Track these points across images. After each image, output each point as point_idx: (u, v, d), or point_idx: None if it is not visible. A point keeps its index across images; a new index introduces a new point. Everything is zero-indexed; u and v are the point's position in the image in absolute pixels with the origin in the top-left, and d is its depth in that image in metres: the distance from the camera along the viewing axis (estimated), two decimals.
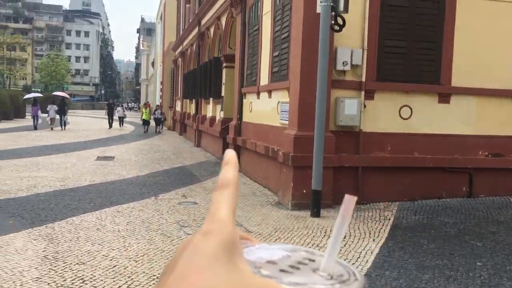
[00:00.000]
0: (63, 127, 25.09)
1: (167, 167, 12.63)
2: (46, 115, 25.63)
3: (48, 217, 6.68)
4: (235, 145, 12.19)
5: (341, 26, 7.14)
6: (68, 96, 33.49)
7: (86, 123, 33.25)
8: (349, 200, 0.39)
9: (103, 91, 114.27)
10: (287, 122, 8.44)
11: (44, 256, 5.04)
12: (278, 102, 9.16)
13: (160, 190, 9.19)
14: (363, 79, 8.04)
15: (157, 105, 29.78)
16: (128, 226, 6.43)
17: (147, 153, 15.87)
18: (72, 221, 6.55)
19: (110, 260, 5.04)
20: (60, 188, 8.96)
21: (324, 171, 7.25)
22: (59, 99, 27.10)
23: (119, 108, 28.36)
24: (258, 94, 10.60)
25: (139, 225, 6.51)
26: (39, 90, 68.48)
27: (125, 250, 5.38)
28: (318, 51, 7.08)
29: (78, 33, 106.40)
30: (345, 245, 5.72)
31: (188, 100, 23.29)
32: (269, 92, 9.78)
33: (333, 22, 7.08)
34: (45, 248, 5.33)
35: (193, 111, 20.96)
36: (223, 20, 14.68)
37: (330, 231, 6.40)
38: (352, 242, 5.89)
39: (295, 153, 7.77)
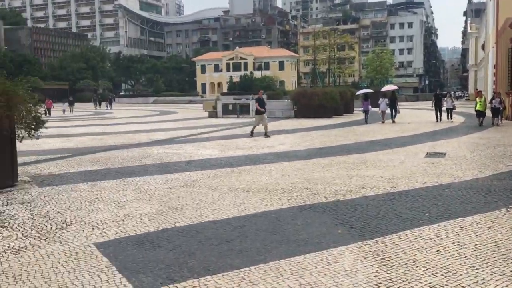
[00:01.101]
0: (393, 119, 24.89)
1: None
2: (377, 109, 26.03)
3: (378, 228, 5.86)
4: None
5: None
6: (397, 88, 33.97)
7: (411, 115, 32.28)
8: None
9: (427, 82, 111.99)
10: None
11: (376, 284, 4.16)
12: None
13: None
14: None
15: (494, 93, 26.12)
16: (476, 251, 4.96)
17: (484, 149, 13.61)
18: (406, 236, 5.52)
19: None
20: (389, 190, 8.12)
21: None
22: (390, 93, 27.29)
23: (447, 99, 26.16)
24: None
25: (491, 251, 4.96)
26: (365, 85, 71.81)
27: None
28: None
29: (401, 25, 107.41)
30: None
31: None
32: None
33: None
34: (377, 271, 4.45)
35: None
36: None
37: None
38: None
39: None
